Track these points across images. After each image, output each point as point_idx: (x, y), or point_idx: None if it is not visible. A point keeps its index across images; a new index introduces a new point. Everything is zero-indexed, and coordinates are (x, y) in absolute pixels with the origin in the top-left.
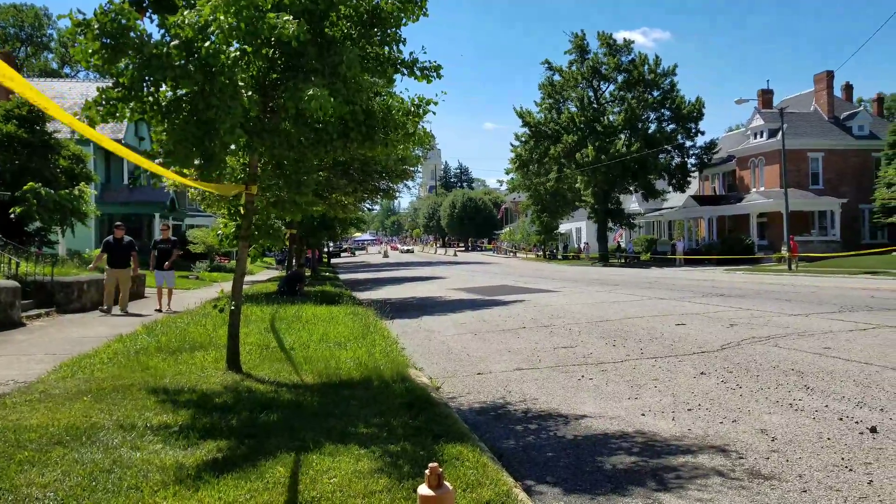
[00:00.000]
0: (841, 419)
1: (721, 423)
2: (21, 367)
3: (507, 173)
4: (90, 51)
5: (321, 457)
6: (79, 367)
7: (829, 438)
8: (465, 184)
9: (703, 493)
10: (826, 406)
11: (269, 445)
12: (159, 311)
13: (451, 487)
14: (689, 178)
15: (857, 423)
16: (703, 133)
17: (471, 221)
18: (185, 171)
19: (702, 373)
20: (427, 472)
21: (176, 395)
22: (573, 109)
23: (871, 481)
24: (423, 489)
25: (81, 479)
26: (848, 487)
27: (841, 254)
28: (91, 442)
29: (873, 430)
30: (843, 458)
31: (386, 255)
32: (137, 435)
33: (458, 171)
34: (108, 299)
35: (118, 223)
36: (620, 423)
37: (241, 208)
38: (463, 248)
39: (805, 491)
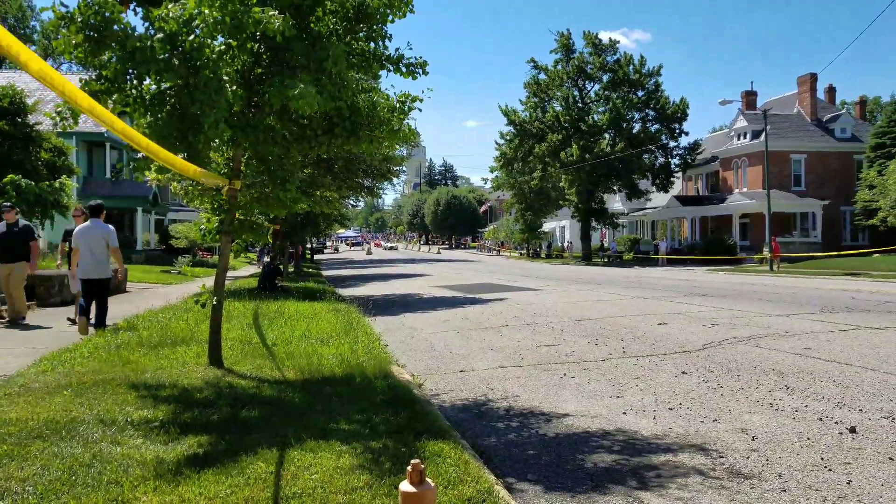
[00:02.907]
0: (821, 419)
1: (702, 422)
2: (0, 360)
3: (492, 171)
4: (73, 43)
5: (302, 453)
6: (59, 361)
7: (808, 438)
8: (449, 181)
9: (684, 492)
10: (806, 406)
11: (251, 441)
12: (72, 321)
13: (433, 484)
14: (672, 179)
15: (836, 423)
16: (686, 133)
17: (455, 219)
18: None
19: (683, 372)
20: (409, 468)
21: (157, 390)
22: (558, 108)
23: (850, 481)
24: (405, 486)
25: (61, 473)
26: (827, 487)
27: (822, 253)
28: (71, 436)
29: (853, 430)
30: (822, 458)
31: (369, 252)
32: (118, 430)
33: (443, 168)
34: (10, 301)
35: (7, 204)
36: (602, 421)
37: (225, 203)
38: (447, 246)
39: (785, 490)
